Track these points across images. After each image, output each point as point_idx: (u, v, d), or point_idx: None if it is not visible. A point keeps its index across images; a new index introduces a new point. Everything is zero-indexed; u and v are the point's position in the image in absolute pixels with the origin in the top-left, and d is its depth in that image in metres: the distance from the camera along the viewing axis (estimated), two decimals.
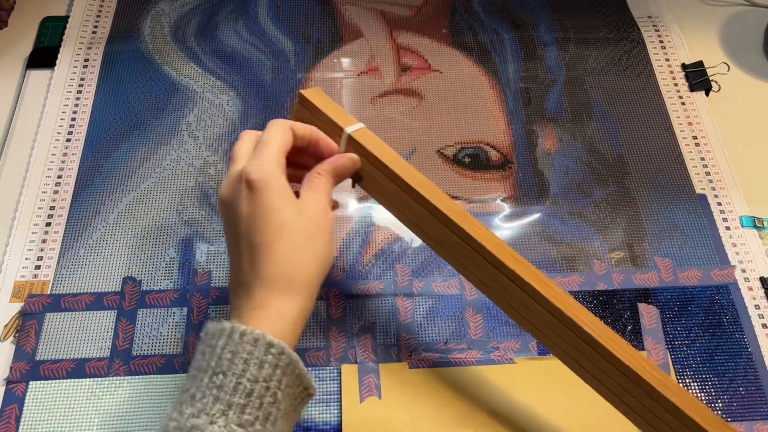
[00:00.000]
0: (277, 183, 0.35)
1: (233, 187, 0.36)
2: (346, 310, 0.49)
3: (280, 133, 0.37)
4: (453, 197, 0.54)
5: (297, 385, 0.33)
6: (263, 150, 0.36)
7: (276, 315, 0.33)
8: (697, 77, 0.62)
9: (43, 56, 0.61)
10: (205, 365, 0.31)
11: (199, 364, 0.32)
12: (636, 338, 0.48)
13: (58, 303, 0.48)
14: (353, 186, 0.42)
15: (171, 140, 0.57)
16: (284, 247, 0.34)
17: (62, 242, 0.51)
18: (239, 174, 0.36)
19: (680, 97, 0.61)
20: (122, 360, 0.46)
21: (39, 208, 0.53)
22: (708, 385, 0.47)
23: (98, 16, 0.64)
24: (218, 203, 0.38)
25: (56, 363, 0.46)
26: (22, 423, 0.44)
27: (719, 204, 0.55)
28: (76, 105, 0.58)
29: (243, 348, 0.31)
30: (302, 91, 0.42)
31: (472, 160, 0.57)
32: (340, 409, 0.44)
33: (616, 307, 0.50)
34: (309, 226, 0.35)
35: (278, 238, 0.34)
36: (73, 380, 0.45)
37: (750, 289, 0.51)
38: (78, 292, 0.49)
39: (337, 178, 0.40)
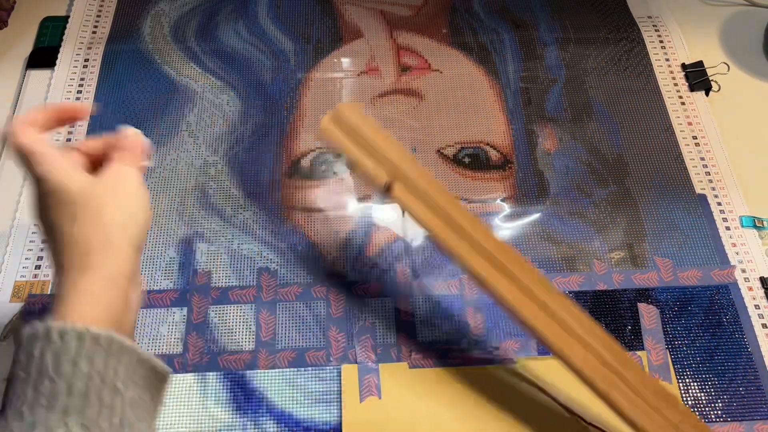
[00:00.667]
0: (55, 165, 0.33)
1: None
2: (346, 310, 0.49)
3: (35, 109, 0.35)
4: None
5: (139, 369, 0.30)
6: (24, 116, 0.34)
7: (87, 296, 0.30)
8: (697, 77, 0.62)
9: (43, 56, 0.61)
10: (25, 376, 0.28)
11: (17, 375, 0.28)
12: (636, 338, 0.48)
13: None
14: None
15: (171, 140, 0.57)
16: (65, 221, 0.32)
17: None
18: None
19: (680, 97, 0.61)
20: None
21: None
22: (708, 385, 0.47)
23: (98, 16, 0.64)
24: None
25: None
26: None
27: (719, 204, 0.55)
28: None
29: (66, 348, 0.28)
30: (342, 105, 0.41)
31: (472, 160, 0.57)
32: (340, 409, 0.44)
33: (616, 307, 0.50)
34: (86, 193, 0.33)
35: (57, 214, 0.32)
36: None
37: (750, 289, 0.51)
38: None
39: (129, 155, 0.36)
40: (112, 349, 0.29)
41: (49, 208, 0.33)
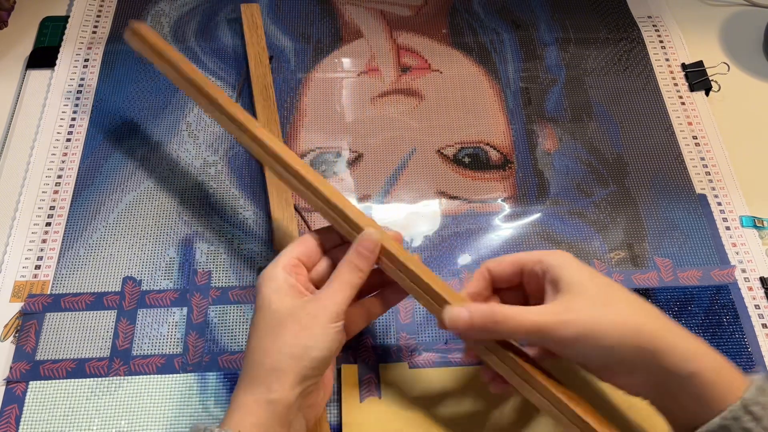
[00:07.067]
0: (272, 284, 0.37)
1: None
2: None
3: (297, 242, 0.40)
4: (453, 197, 0.54)
5: None
6: (277, 257, 0.39)
7: (245, 413, 0.33)
8: (697, 77, 0.62)
9: (43, 56, 0.61)
10: None
11: None
12: None
13: (58, 303, 0.48)
14: None
15: (171, 140, 0.57)
16: (254, 340, 0.36)
17: (62, 242, 0.51)
18: None
19: (680, 97, 0.61)
20: (122, 360, 0.46)
21: (39, 208, 0.53)
22: None
23: (98, 16, 0.64)
24: None
25: (56, 363, 0.46)
26: (22, 423, 0.44)
27: (719, 204, 0.55)
28: (76, 105, 0.58)
29: None
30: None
31: (472, 160, 0.57)
32: (340, 409, 0.44)
33: None
34: (277, 314, 0.36)
35: (253, 332, 0.36)
36: (73, 380, 0.45)
37: (750, 289, 0.51)
38: (78, 291, 0.49)
39: (362, 262, 0.38)
40: None
41: (254, 319, 0.37)
